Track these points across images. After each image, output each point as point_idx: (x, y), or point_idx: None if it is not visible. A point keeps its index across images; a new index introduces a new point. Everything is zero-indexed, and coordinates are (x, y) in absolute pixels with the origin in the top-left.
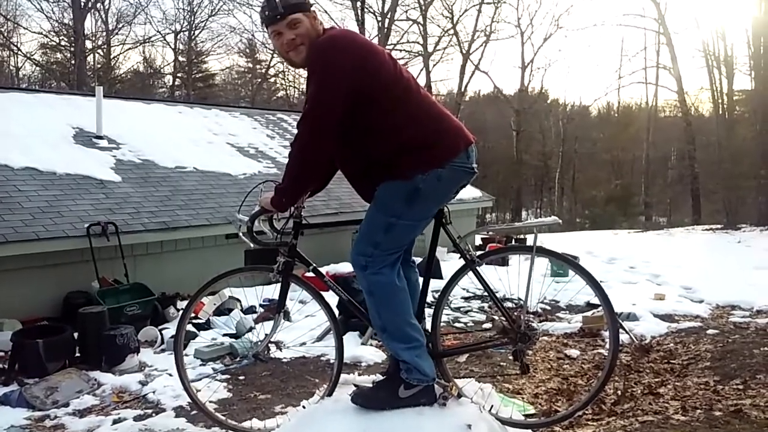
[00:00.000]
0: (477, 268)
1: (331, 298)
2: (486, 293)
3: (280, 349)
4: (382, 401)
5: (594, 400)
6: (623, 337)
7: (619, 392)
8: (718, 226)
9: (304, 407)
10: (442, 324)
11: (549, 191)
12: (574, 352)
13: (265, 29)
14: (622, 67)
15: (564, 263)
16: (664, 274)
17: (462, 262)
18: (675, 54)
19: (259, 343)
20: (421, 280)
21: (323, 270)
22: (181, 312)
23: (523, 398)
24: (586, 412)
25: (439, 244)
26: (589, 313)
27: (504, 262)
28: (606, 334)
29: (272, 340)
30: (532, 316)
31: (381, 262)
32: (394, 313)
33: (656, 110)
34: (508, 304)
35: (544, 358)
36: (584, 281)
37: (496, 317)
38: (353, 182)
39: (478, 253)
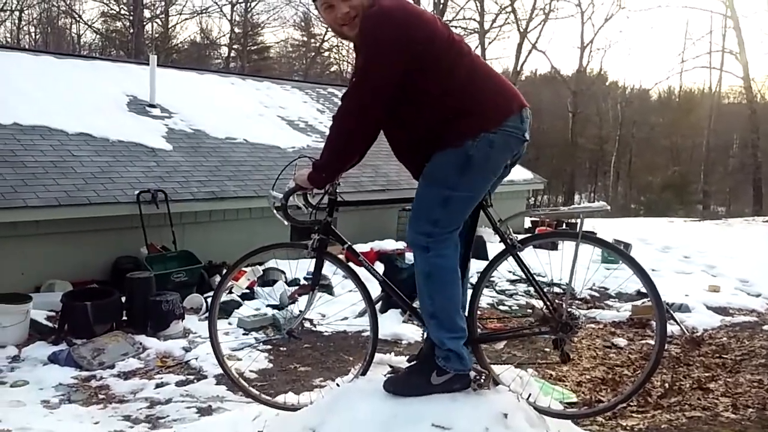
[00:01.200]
0: (518, 253)
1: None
2: (528, 279)
3: (314, 326)
4: (414, 387)
5: (637, 392)
6: (674, 329)
7: (666, 385)
8: None
9: (338, 385)
10: (485, 306)
11: (604, 176)
12: (621, 341)
13: (314, 1)
14: (686, 51)
15: (611, 251)
16: (720, 266)
17: (502, 245)
18: (742, 38)
19: (293, 319)
20: None
21: (367, 247)
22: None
23: (566, 386)
24: (631, 403)
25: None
26: (638, 302)
27: (554, 246)
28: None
29: (308, 316)
30: (575, 304)
31: (443, 241)
32: (449, 300)
33: (720, 96)
34: (556, 290)
35: (590, 345)
36: (631, 270)
37: (536, 304)
38: (402, 157)
39: (520, 237)
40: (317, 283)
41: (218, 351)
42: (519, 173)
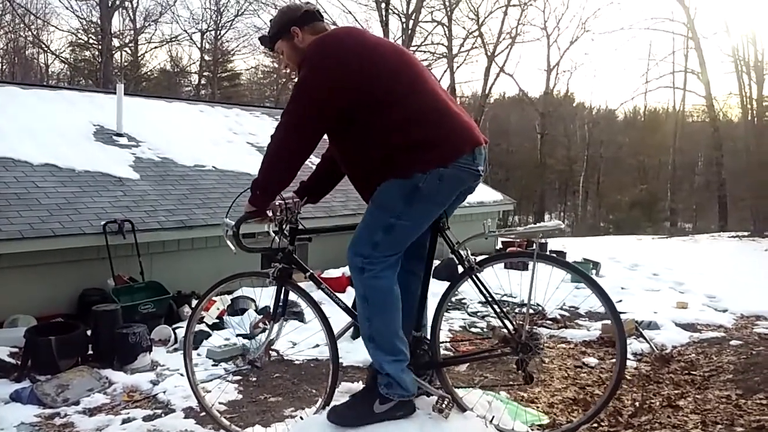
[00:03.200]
0: (476, 274)
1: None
2: (487, 300)
3: (280, 356)
4: (358, 418)
5: (601, 411)
6: (643, 346)
7: (637, 404)
8: (745, 233)
9: (302, 418)
10: (458, 329)
11: (573, 195)
12: (592, 361)
13: None
14: (650, 71)
15: (568, 270)
16: (688, 282)
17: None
18: (704, 59)
19: (255, 349)
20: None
21: (339, 272)
22: (188, 316)
23: (537, 407)
24: (602, 423)
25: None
26: (608, 321)
27: (524, 267)
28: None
29: (276, 345)
30: (545, 323)
31: (380, 264)
32: (386, 323)
33: (683, 115)
34: (523, 310)
35: (561, 366)
36: (590, 289)
37: (496, 325)
38: (354, 182)
39: (479, 259)
40: (281, 312)
41: (193, 383)
42: (488, 194)
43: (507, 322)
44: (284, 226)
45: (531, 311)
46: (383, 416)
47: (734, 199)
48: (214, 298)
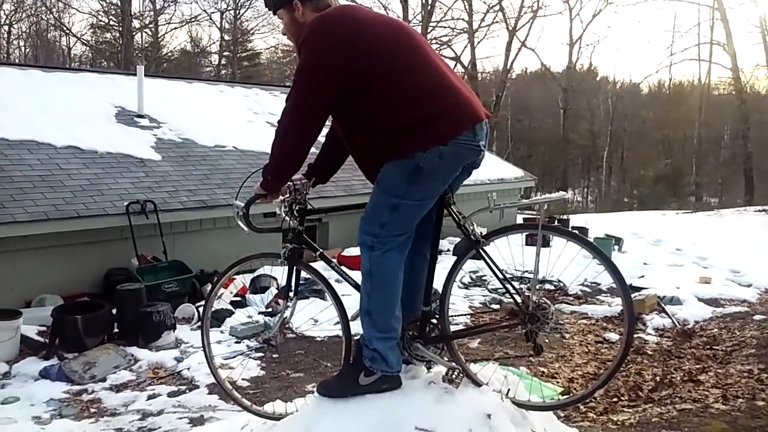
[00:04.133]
0: (482, 247)
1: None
2: (494, 273)
3: (295, 334)
4: (343, 389)
5: (610, 379)
6: (665, 322)
7: (657, 378)
8: None
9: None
10: (478, 305)
11: (596, 170)
12: (613, 336)
13: None
14: (674, 44)
15: (578, 243)
16: (712, 257)
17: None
18: (730, 30)
19: (270, 328)
20: None
21: (359, 251)
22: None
23: (557, 382)
24: (622, 397)
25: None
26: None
27: (546, 243)
28: (647, 317)
29: (295, 323)
30: (563, 298)
31: (389, 242)
32: (386, 301)
33: (709, 88)
34: (548, 286)
35: (582, 341)
36: (596, 258)
37: (504, 299)
38: (359, 163)
39: (484, 232)
40: (292, 291)
41: (211, 361)
42: (510, 171)
43: (515, 294)
44: (294, 207)
45: (552, 287)
46: (368, 388)
47: (761, 172)
48: (234, 276)
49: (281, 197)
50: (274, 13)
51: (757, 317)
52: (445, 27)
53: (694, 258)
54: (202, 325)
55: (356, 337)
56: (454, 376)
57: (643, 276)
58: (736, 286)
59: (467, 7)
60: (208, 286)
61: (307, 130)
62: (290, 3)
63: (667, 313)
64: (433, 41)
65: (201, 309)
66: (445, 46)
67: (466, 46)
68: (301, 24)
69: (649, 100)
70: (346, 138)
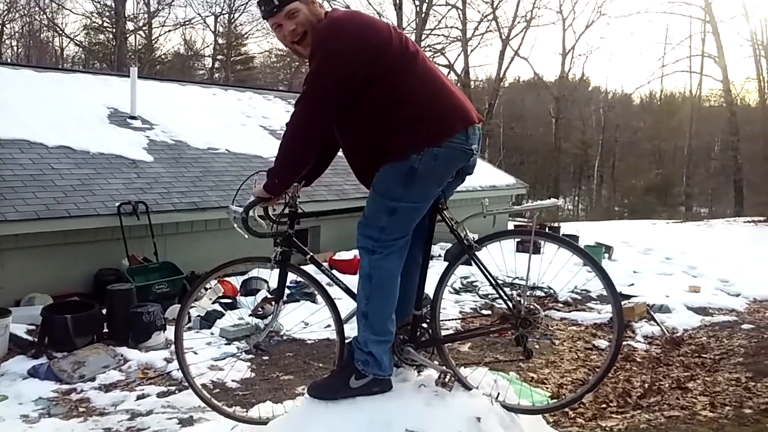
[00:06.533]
0: (475, 252)
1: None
2: (486, 277)
3: (282, 338)
4: (334, 391)
5: (602, 380)
6: (654, 329)
7: (646, 385)
8: (761, 218)
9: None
10: (469, 310)
11: (588, 179)
12: (602, 343)
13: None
14: (666, 56)
15: (569, 249)
16: (701, 266)
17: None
18: (721, 43)
19: (259, 333)
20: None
21: (351, 254)
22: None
23: (547, 388)
24: (611, 404)
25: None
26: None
27: (537, 250)
28: (636, 325)
29: (287, 326)
30: (553, 305)
31: (389, 246)
32: (384, 304)
33: (700, 100)
34: (539, 293)
35: (571, 347)
36: (587, 265)
37: (495, 304)
38: (354, 168)
39: (476, 238)
40: (282, 295)
41: (186, 370)
42: (501, 178)
43: (506, 299)
44: (284, 210)
45: (542, 294)
46: (359, 391)
47: (750, 184)
48: (225, 279)
49: (279, 201)
50: (278, 9)
51: (745, 326)
52: (438, 35)
53: (684, 267)
54: (176, 331)
55: (347, 340)
56: (446, 380)
57: (632, 284)
58: (724, 296)
59: (461, 15)
60: None
61: (318, 133)
62: None
63: (656, 321)
64: (427, 49)
65: (191, 310)
66: (439, 53)
67: (459, 54)
68: (315, 19)
69: (640, 111)
70: (344, 140)
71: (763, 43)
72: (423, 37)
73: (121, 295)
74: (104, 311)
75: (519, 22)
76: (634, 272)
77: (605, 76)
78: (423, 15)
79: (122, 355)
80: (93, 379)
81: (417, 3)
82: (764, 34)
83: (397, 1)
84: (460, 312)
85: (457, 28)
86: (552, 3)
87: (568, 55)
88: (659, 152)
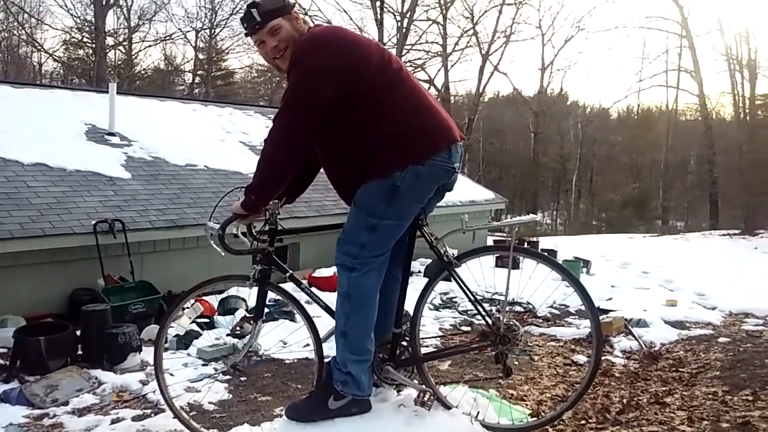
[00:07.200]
0: (454, 269)
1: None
2: (465, 294)
3: (261, 358)
4: (312, 413)
5: (582, 396)
6: (632, 344)
7: (624, 400)
8: (736, 231)
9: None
10: (448, 327)
11: (566, 193)
12: (581, 358)
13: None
14: (643, 70)
15: (547, 264)
16: (678, 280)
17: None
18: (697, 57)
19: (237, 353)
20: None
21: (330, 271)
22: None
23: (526, 405)
24: (590, 420)
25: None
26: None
27: (516, 266)
28: (615, 339)
29: (265, 346)
30: (532, 320)
31: (369, 263)
32: (363, 322)
33: (677, 114)
34: (516, 308)
35: (550, 363)
36: (566, 280)
37: (474, 320)
38: (335, 184)
39: (456, 254)
40: (261, 314)
41: (165, 391)
42: (480, 193)
43: (486, 316)
44: (264, 227)
45: (521, 309)
46: (337, 412)
47: (726, 197)
48: (203, 299)
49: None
50: (261, 26)
51: (721, 339)
52: (419, 50)
53: (661, 281)
54: (155, 352)
55: (326, 359)
56: (426, 399)
57: (610, 298)
58: (701, 309)
59: (442, 31)
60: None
61: (296, 149)
62: (290, 11)
63: (634, 336)
64: (408, 64)
65: (168, 330)
66: (420, 68)
67: (439, 70)
68: (297, 35)
69: (618, 125)
70: (324, 155)
71: (737, 58)
72: (404, 52)
73: (96, 315)
74: (78, 333)
75: (499, 38)
76: (612, 286)
77: (583, 90)
78: (404, 30)
79: (97, 378)
80: (66, 403)
81: (398, 18)
82: (739, 48)
83: (379, 17)
84: (440, 329)
85: (437, 43)
86: (531, 18)
87: (546, 69)
88: (636, 166)
